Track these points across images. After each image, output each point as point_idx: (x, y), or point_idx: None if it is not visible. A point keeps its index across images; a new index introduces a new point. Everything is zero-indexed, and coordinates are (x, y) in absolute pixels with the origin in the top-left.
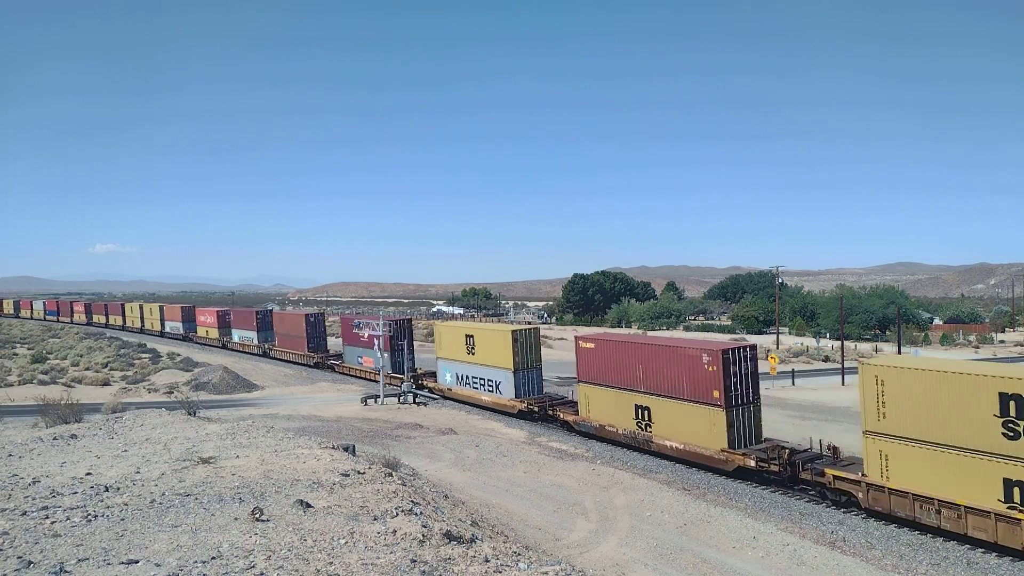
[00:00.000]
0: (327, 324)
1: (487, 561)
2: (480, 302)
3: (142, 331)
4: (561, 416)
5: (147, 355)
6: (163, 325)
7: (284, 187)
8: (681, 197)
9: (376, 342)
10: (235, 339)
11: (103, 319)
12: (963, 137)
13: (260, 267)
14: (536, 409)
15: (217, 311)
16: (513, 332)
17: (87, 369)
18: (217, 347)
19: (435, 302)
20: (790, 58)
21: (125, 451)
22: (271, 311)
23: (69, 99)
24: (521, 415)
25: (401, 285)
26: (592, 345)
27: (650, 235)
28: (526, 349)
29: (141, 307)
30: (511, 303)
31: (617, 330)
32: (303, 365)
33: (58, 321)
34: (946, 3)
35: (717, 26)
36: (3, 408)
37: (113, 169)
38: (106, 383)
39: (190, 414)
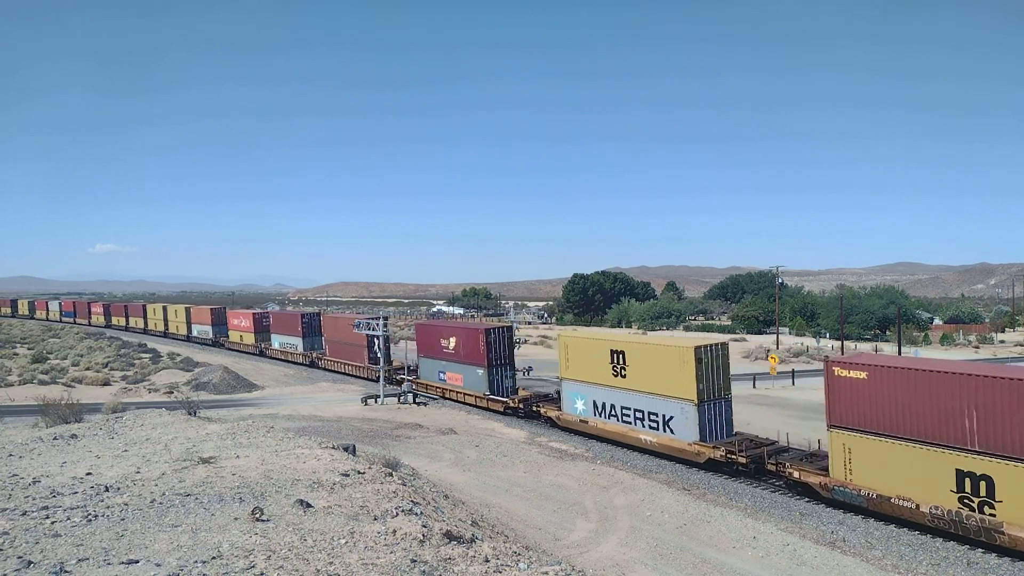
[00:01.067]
0: (388, 330)
1: (487, 561)
2: (480, 302)
3: (166, 335)
4: (794, 473)
5: (147, 355)
6: (190, 329)
7: (284, 187)
8: (681, 197)
9: (458, 351)
10: (275, 346)
11: (123, 321)
12: (963, 137)
13: (260, 267)
14: (741, 459)
15: (253, 314)
16: (696, 350)
17: (87, 369)
18: (254, 354)
19: (435, 302)
20: (790, 58)
21: (125, 451)
22: (319, 313)
23: (69, 99)
24: (712, 466)
25: (401, 285)
26: (864, 375)
27: (650, 235)
28: (712, 372)
29: (165, 309)
30: (511, 303)
31: (617, 330)
32: (364, 379)
33: (75, 323)
34: (946, 3)
35: (717, 26)
36: (3, 408)
37: (113, 169)
38: (106, 383)
39: (190, 414)
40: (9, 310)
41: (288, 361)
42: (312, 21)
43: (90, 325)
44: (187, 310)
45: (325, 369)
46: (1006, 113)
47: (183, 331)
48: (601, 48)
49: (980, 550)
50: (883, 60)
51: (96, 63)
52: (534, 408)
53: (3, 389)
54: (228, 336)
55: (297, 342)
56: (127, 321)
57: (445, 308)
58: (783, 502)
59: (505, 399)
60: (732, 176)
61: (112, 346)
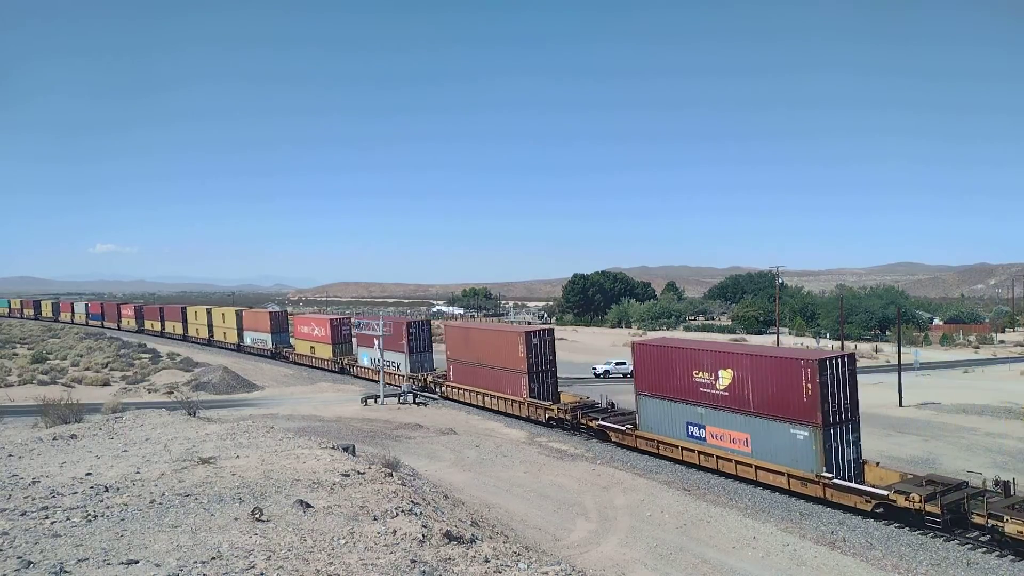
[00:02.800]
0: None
1: (487, 561)
2: (480, 302)
3: (210, 343)
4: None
5: (147, 355)
6: (241, 336)
7: (284, 187)
8: (682, 197)
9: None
10: (363, 362)
11: (157, 325)
12: (963, 136)
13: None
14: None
15: (330, 321)
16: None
17: (87, 369)
18: (331, 371)
19: (435, 302)
20: (790, 58)
21: (125, 451)
22: (428, 321)
23: (69, 99)
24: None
25: (401, 285)
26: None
27: (650, 235)
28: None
29: (210, 313)
30: (511, 303)
31: (617, 331)
32: (528, 421)
33: (103, 327)
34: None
35: (717, 26)
36: (3, 408)
37: (113, 169)
38: (106, 383)
39: (190, 414)
40: (32, 312)
41: (394, 385)
42: (312, 21)
43: (119, 330)
44: (238, 314)
45: (455, 401)
46: (1006, 113)
47: (232, 338)
48: (601, 48)
49: (981, 550)
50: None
51: (95, 62)
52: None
53: (3, 389)
54: (293, 347)
55: (400, 359)
56: (162, 325)
57: (445, 308)
58: (783, 502)
59: (549, 406)
60: (733, 176)
61: (112, 346)
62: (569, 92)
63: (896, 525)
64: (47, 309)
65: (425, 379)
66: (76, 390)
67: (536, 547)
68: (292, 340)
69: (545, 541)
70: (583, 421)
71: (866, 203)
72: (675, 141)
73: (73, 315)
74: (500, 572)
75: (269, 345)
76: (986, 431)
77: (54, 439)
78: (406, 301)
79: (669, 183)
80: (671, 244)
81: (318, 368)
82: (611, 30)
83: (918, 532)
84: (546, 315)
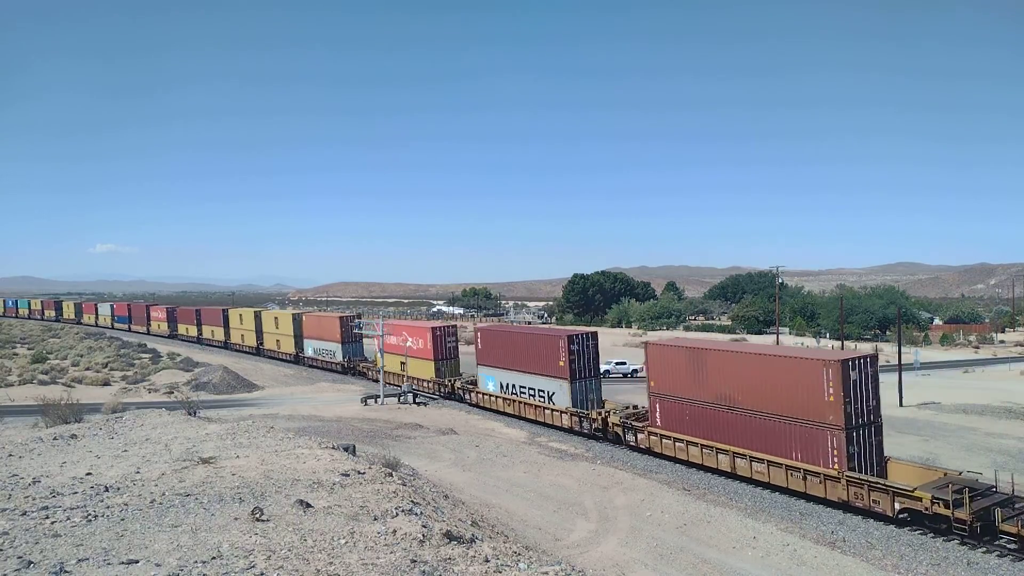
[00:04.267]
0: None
1: (487, 561)
2: (480, 302)
3: (259, 351)
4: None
5: (147, 355)
6: (300, 345)
7: (284, 187)
8: (681, 197)
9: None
10: (487, 386)
11: (192, 330)
12: (963, 137)
13: (260, 267)
14: None
15: (432, 329)
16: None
17: (87, 369)
18: (436, 397)
19: (435, 302)
20: (790, 58)
21: (125, 451)
22: (594, 334)
23: (68, 99)
24: None
25: (401, 285)
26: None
27: (650, 235)
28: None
29: (259, 317)
30: (511, 303)
31: (617, 331)
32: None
33: (130, 330)
34: (946, 3)
35: (717, 26)
36: (3, 408)
37: (113, 169)
38: (106, 383)
39: (190, 414)
40: (53, 313)
41: (557, 436)
42: (312, 21)
43: (148, 334)
44: (296, 319)
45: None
46: (1006, 113)
47: (287, 348)
48: (600, 48)
49: (981, 550)
50: (883, 59)
51: (95, 62)
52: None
53: (3, 389)
54: (373, 361)
55: (552, 387)
56: (199, 330)
57: (445, 308)
58: (783, 502)
59: (592, 415)
60: (732, 176)
61: (112, 346)
62: (569, 92)
63: (895, 525)
64: (69, 311)
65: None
66: (76, 390)
67: (536, 547)
68: (376, 354)
69: (545, 541)
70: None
71: (866, 203)
72: (675, 141)
73: (97, 317)
74: (500, 572)
75: (339, 357)
76: (986, 431)
77: (54, 439)
78: (406, 301)
79: (669, 183)
80: (671, 244)
81: (419, 391)
82: (611, 30)
83: (942, 539)
84: (546, 315)
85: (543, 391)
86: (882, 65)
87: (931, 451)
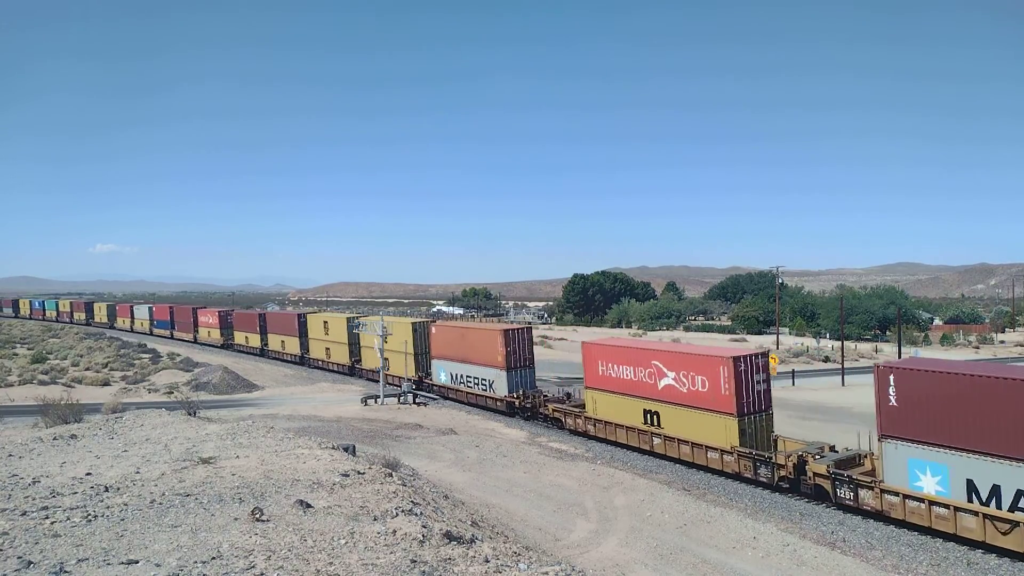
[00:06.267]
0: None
1: (487, 561)
2: (480, 302)
3: (353, 371)
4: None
5: (147, 355)
6: (426, 366)
7: (284, 187)
8: (681, 197)
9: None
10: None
11: (254, 339)
12: (963, 137)
13: (260, 267)
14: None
15: (731, 364)
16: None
17: (87, 369)
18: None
19: (435, 302)
20: (790, 58)
21: (125, 451)
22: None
23: (68, 99)
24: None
25: (401, 285)
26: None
27: (650, 235)
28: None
29: (355, 326)
30: (511, 303)
31: (617, 331)
32: None
33: (172, 337)
34: (946, 3)
35: (717, 26)
36: (3, 408)
37: (113, 169)
38: (106, 383)
39: (190, 414)
40: (84, 315)
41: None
42: (312, 21)
43: (196, 343)
44: (418, 329)
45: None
46: (1006, 113)
47: (400, 369)
48: (599, 48)
49: (980, 551)
50: (883, 60)
51: (96, 63)
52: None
53: (3, 389)
54: (584, 402)
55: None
56: (263, 339)
57: (445, 308)
58: (783, 502)
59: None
60: (732, 176)
61: (112, 346)
62: (569, 92)
63: (894, 526)
64: (101, 313)
65: None
66: (76, 390)
67: (536, 547)
68: (592, 389)
69: (545, 541)
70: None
71: (866, 203)
72: (675, 141)
73: (133, 321)
74: (500, 572)
75: (501, 391)
76: None
77: (54, 439)
78: (406, 301)
79: (669, 183)
80: (671, 244)
81: (692, 464)
82: (611, 30)
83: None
84: (546, 315)
85: (485, 379)
86: (882, 66)
87: None
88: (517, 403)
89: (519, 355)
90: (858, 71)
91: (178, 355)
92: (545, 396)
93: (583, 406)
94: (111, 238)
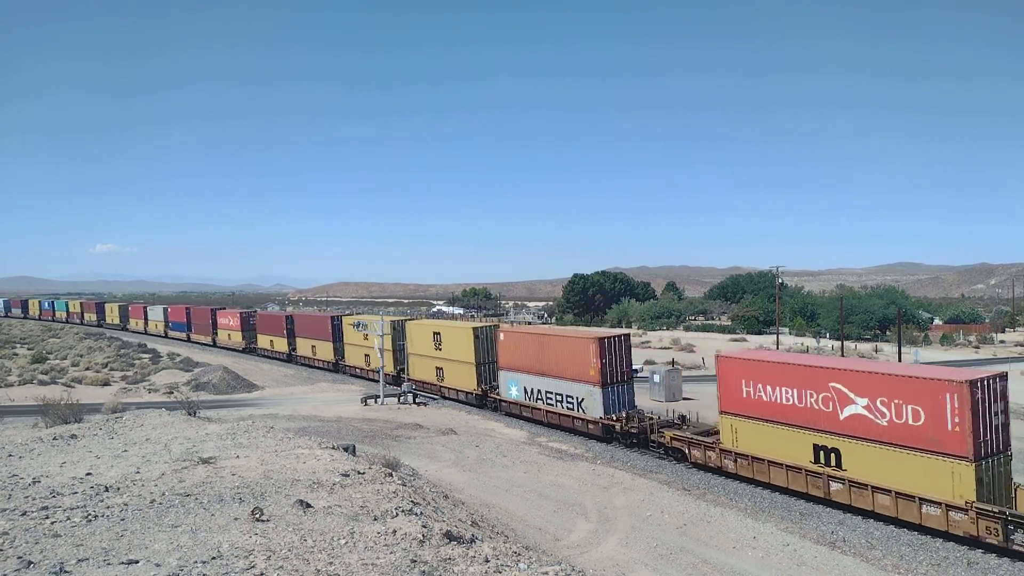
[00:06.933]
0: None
1: (487, 561)
2: (480, 302)
3: (398, 381)
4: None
5: (147, 355)
6: (491, 376)
7: (284, 187)
8: (681, 197)
9: None
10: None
11: (280, 343)
12: (963, 137)
13: (260, 267)
14: None
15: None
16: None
17: (87, 369)
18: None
19: (435, 302)
20: (790, 58)
21: (125, 451)
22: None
23: (69, 99)
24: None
25: (401, 285)
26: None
27: (650, 235)
28: None
29: (400, 328)
30: (511, 303)
31: (618, 330)
32: None
33: (189, 340)
34: (946, 3)
35: (717, 26)
36: (3, 408)
37: (113, 169)
38: (106, 383)
39: (190, 414)
40: (95, 316)
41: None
42: (312, 21)
43: (216, 346)
44: (480, 336)
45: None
46: (1006, 113)
47: (460, 380)
48: (601, 48)
49: (980, 550)
50: (882, 60)
51: (96, 63)
52: None
53: (3, 389)
54: (661, 417)
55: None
56: (290, 343)
57: (445, 308)
58: (783, 502)
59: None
60: (732, 176)
61: (112, 346)
62: (569, 92)
63: (895, 525)
64: (113, 314)
65: None
66: (76, 390)
67: (536, 547)
68: (721, 418)
69: (545, 541)
70: None
71: (866, 203)
72: (675, 141)
73: (146, 323)
74: (500, 572)
75: (594, 411)
76: None
77: (54, 439)
78: (406, 301)
79: (669, 183)
80: (671, 244)
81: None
82: (611, 30)
83: (940, 539)
84: (546, 315)
85: (571, 397)
86: (882, 66)
87: None
88: (618, 427)
89: (616, 368)
90: (858, 71)
91: (178, 355)
92: (653, 419)
93: (711, 433)
94: (111, 238)
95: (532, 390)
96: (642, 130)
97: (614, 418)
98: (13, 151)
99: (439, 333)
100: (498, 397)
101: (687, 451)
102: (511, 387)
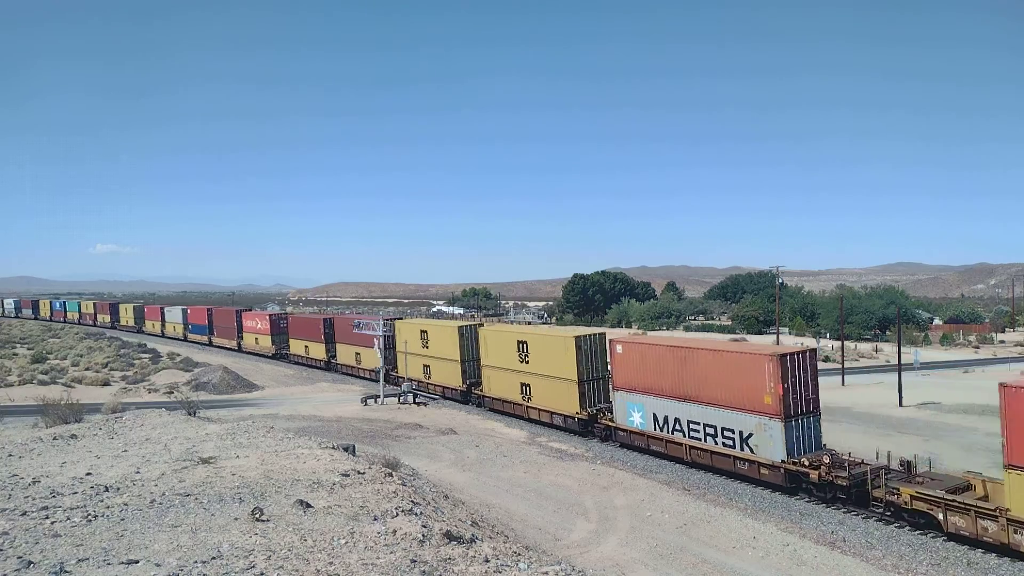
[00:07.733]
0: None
1: (487, 561)
2: (480, 302)
3: (468, 399)
4: None
5: (147, 355)
6: (598, 398)
7: (284, 187)
8: (680, 197)
9: None
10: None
11: (316, 349)
12: (963, 137)
13: (260, 267)
14: None
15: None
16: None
17: (87, 369)
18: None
19: (435, 302)
20: (789, 58)
21: (125, 451)
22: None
23: (69, 99)
24: None
25: (401, 285)
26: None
27: (650, 235)
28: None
29: (469, 335)
30: (511, 303)
31: (618, 331)
32: None
33: (211, 343)
34: (946, 3)
35: (717, 26)
36: (3, 408)
37: (113, 169)
38: (106, 383)
39: (190, 414)
40: (108, 317)
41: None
42: (312, 21)
43: (240, 351)
44: (582, 345)
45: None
46: (1006, 113)
47: (553, 402)
48: (601, 48)
49: (980, 550)
50: (882, 60)
51: (96, 63)
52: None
53: (3, 389)
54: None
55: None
56: (330, 350)
57: (445, 308)
58: (783, 502)
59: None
60: (732, 176)
61: (112, 346)
62: (569, 92)
63: (895, 525)
64: (127, 315)
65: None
66: (76, 390)
67: (536, 547)
68: (1006, 474)
69: (545, 541)
70: None
71: (866, 203)
72: (675, 142)
73: (164, 325)
74: (500, 572)
75: (772, 452)
76: (986, 431)
77: (54, 439)
78: (406, 301)
79: (669, 183)
80: (671, 244)
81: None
82: (612, 30)
83: (941, 539)
84: (546, 315)
85: (731, 431)
86: (882, 66)
87: (931, 451)
88: (815, 475)
89: (801, 394)
90: (858, 71)
91: (178, 355)
92: (866, 464)
93: (961, 489)
94: (111, 238)
95: (666, 418)
96: (642, 130)
97: (806, 463)
98: (13, 151)
99: (426, 331)
100: (612, 424)
101: (941, 518)
102: (632, 412)
